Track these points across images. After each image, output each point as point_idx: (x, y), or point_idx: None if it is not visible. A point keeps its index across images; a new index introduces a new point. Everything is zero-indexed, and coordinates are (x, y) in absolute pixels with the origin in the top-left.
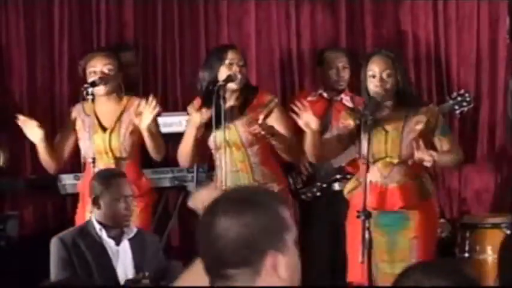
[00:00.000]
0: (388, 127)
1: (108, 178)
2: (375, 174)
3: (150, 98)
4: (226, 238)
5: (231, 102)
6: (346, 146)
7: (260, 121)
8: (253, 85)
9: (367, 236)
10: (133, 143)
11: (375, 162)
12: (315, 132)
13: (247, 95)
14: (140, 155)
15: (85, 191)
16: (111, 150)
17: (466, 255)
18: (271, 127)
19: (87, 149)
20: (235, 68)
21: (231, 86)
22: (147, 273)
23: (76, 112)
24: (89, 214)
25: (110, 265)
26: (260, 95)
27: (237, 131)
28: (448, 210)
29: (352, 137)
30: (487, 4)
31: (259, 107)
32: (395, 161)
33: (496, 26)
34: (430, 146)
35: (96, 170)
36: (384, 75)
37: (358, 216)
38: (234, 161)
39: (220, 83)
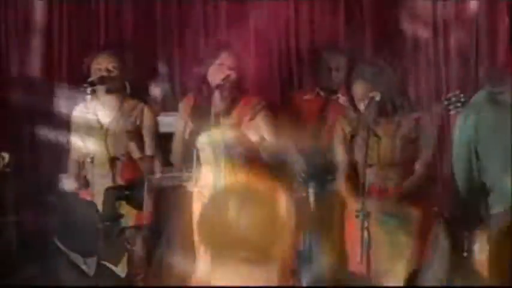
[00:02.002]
0: (380, 133)
1: None
2: (373, 177)
3: None
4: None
5: (218, 103)
6: None
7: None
8: (244, 88)
9: (366, 235)
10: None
11: (370, 167)
12: None
13: (235, 97)
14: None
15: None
16: (107, 149)
17: (465, 254)
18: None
19: (83, 147)
20: (223, 71)
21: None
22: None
23: (78, 111)
24: None
25: None
26: (247, 98)
27: (221, 133)
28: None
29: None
30: (486, 4)
31: (246, 109)
32: (390, 165)
33: (496, 26)
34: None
35: (95, 168)
36: (366, 100)
37: (357, 216)
38: (215, 159)
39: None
